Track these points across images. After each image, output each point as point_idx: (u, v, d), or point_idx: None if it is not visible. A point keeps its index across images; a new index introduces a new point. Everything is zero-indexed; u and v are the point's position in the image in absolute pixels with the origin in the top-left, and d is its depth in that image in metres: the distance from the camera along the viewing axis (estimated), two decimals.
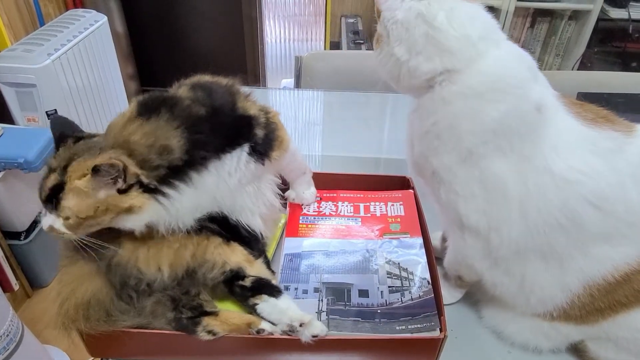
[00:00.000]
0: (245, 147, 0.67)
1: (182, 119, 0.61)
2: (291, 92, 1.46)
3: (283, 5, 2.95)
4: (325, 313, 0.66)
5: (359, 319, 0.66)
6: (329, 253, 0.76)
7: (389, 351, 0.64)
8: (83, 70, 1.81)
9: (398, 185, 0.90)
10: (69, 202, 0.57)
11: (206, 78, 0.71)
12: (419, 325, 0.64)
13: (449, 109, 0.59)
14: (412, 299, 0.68)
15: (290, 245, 0.78)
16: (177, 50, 2.67)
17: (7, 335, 1.23)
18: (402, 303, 0.68)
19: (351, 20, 2.45)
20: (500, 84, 0.58)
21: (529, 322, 0.68)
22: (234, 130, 0.66)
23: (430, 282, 0.70)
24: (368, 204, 0.86)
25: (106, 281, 0.63)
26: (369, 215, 0.84)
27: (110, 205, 0.58)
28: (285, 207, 0.85)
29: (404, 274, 0.72)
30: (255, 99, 0.72)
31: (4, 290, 1.46)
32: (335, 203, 0.86)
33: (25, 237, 1.64)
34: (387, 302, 0.68)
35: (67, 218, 0.58)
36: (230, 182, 0.66)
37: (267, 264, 0.73)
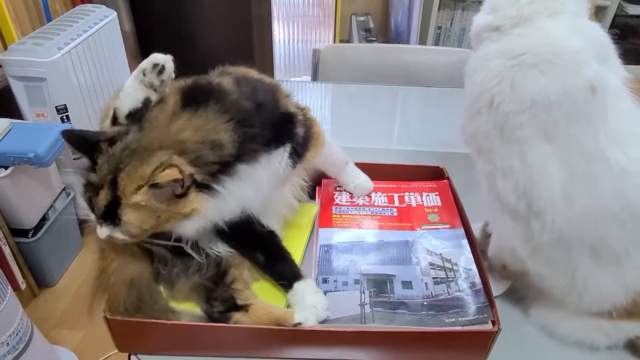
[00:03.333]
0: (288, 147, 0.65)
1: (232, 113, 0.58)
2: (308, 85, 1.43)
3: (292, 5, 2.93)
4: (368, 305, 0.62)
5: (405, 311, 0.62)
6: (366, 244, 0.72)
7: (439, 345, 0.60)
8: (92, 65, 1.78)
9: (431, 176, 0.87)
10: (129, 217, 0.54)
11: (248, 72, 0.68)
12: (470, 318, 0.60)
13: (487, 67, 0.56)
14: (459, 291, 0.64)
15: (325, 236, 0.74)
16: (185, 49, 2.61)
17: (17, 335, 1.19)
18: (449, 295, 0.64)
19: (362, 18, 2.43)
20: (544, 54, 0.54)
21: (584, 320, 0.64)
22: (278, 127, 0.64)
23: (477, 273, 0.66)
24: (402, 194, 0.83)
25: (147, 265, 0.61)
26: (404, 205, 0.80)
27: (172, 213, 0.55)
28: (314, 198, 0.82)
29: (447, 265, 0.68)
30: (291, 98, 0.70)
31: None
32: (368, 193, 0.82)
33: (33, 235, 1.60)
34: (433, 294, 0.64)
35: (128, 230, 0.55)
36: (273, 179, 0.63)
37: (289, 258, 0.68)
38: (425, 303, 0.63)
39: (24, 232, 1.59)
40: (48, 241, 1.65)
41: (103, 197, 0.54)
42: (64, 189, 1.76)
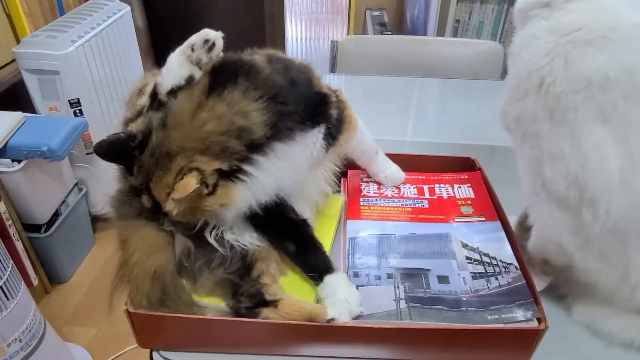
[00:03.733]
0: (322, 128, 0.62)
1: (264, 89, 0.55)
2: (326, 77, 1.39)
3: (305, 3, 2.90)
4: (404, 301, 0.59)
5: (443, 307, 0.58)
6: (397, 237, 0.69)
7: (481, 343, 0.56)
8: (105, 59, 1.76)
9: (460, 167, 0.83)
10: (173, 214, 0.56)
11: (278, 52, 0.66)
12: (513, 315, 0.56)
13: (536, 46, 0.52)
14: (500, 286, 0.60)
15: (353, 228, 0.70)
16: None
17: (30, 331, 1.16)
18: (490, 290, 0.60)
19: (376, 13, 2.40)
20: (601, 29, 0.50)
21: (635, 319, 0.60)
22: (313, 106, 0.61)
23: (518, 267, 0.62)
24: (432, 185, 0.79)
25: (170, 256, 0.58)
26: (435, 197, 0.77)
27: (206, 208, 0.55)
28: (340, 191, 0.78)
29: (485, 259, 0.65)
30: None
31: None
32: (399, 184, 0.79)
33: (46, 230, 1.58)
34: (472, 289, 0.60)
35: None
36: (308, 161, 0.60)
37: (321, 249, 0.65)
38: (464, 299, 0.59)
39: (36, 227, 1.57)
40: (60, 236, 1.63)
41: (147, 202, 0.57)
42: (76, 184, 1.75)
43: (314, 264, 0.61)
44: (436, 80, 1.35)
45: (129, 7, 1.93)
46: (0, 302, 1.07)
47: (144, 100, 0.59)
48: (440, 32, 1.93)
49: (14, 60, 1.67)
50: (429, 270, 0.63)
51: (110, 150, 0.57)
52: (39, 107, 1.65)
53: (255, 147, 0.54)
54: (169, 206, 0.54)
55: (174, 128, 0.54)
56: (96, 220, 1.90)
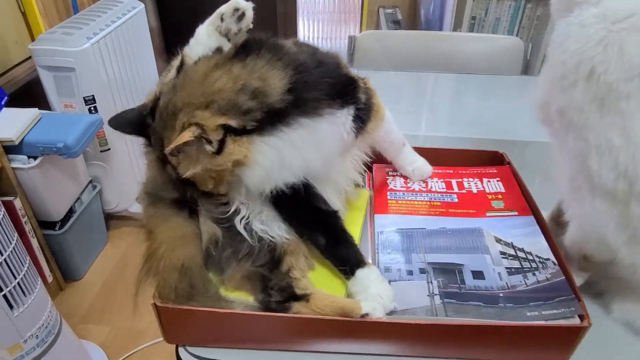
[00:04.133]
0: (352, 110, 0.60)
1: (287, 61, 0.53)
2: None
3: (317, 2, 2.89)
4: (438, 296, 0.57)
5: (479, 303, 0.56)
6: (427, 231, 0.67)
7: (521, 340, 0.54)
8: (120, 56, 1.75)
9: (489, 161, 0.81)
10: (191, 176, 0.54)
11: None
12: (554, 311, 0.54)
13: (585, 34, 0.50)
14: (538, 282, 0.58)
15: (381, 222, 0.69)
16: None
17: (46, 327, 1.15)
18: (527, 286, 0.58)
19: (390, 11, 2.38)
20: None
21: None
22: (341, 87, 0.59)
23: (555, 262, 0.60)
24: (460, 180, 0.77)
25: (198, 249, 0.56)
26: (464, 191, 0.74)
27: (219, 169, 0.53)
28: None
29: (520, 254, 0.62)
30: None
31: None
32: (426, 178, 0.77)
33: (60, 227, 1.57)
34: (509, 285, 0.58)
35: None
36: (337, 142, 0.58)
37: (352, 242, 0.63)
38: (501, 295, 0.57)
39: (51, 224, 1.56)
40: (75, 234, 1.63)
41: (171, 170, 0.55)
42: (90, 182, 1.74)
43: (345, 257, 0.59)
44: (455, 76, 1.33)
45: (143, 5, 1.92)
46: (18, 297, 1.06)
47: (172, 74, 0.58)
48: (457, 28, 1.91)
49: (29, 58, 1.67)
50: (462, 265, 0.61)
51: (122, 120, 0.56)
52: (54, 105, 1.65)
53: (277, 114, 0.52)
54: (182, 170, 0.53)
55: (183, 88, 0.53)
56: (109, 218, 1.90)
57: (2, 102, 1.48)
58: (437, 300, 0.56)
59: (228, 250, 0.58)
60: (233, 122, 0.51)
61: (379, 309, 0.53)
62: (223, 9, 0.54)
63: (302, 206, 0.59)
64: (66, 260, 1.65)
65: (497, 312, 0.55)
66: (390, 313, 0.55)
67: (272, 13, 2.57)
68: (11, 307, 1.05)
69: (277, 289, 0.55)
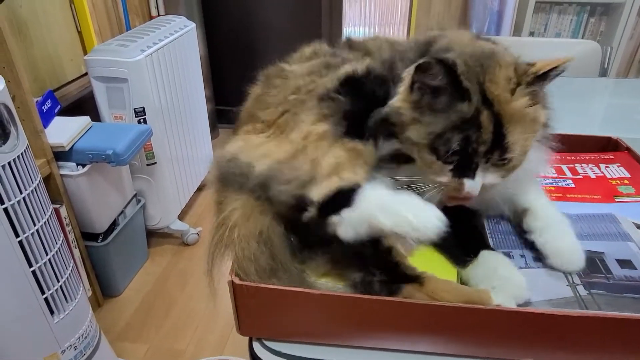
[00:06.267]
0: None
1: None
2: None
3: (363, 23, 2.88)
4: (582, 286, 0.45)
5: (637, 295, 0.44)
6: None
7: None
8: (171, 71, 1.75)
9: (599, 147, 0.70)
10: (515, 137, 0.47)
11: None
12: None
13: None
14: None
15: None
16: (253, 72, 2.62)
17: (85, 338, 1.07)
18: None
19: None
20: None
21: None
22: None
23: None
24: (572, 165, 0.66)
25: (275, 220, 0.47)
26: (579, 177, 0.63)
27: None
28: None
29: None
30: None
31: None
32: None
33: (103, 240, 1.52)
34: None
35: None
36: None
37: (472, 221, 0.52)
38: None
39: (94, 236, 1.51)
40: (116, 248, 1.57)
41: (487, 121, 0.45)
42: (134, 195, 1.70)
43: (468, 237, 0.48)
44: None
45: (194, 25, 1.94)
46: (59, 302, 0.99)
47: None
48: None
49: (82, 75, 1.69)
50: (602, 253, 0.49)
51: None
52: (104, 116, 1.64)
53: None
54: (519, 102, 0.47)
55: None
56: (151, 235, 1.84)
57: (55, 111, 1.48)
58: (582, 290, 0.45)
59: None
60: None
61: (514, 298, 0.42)
62: None
63: None
64: (106, 275, 1.58)
65: None
66: (524, 304, 0.43)
67: (317, 34, 2.57)
68: (52, 312, 0.97)
69: (381, 267, 0.45)
